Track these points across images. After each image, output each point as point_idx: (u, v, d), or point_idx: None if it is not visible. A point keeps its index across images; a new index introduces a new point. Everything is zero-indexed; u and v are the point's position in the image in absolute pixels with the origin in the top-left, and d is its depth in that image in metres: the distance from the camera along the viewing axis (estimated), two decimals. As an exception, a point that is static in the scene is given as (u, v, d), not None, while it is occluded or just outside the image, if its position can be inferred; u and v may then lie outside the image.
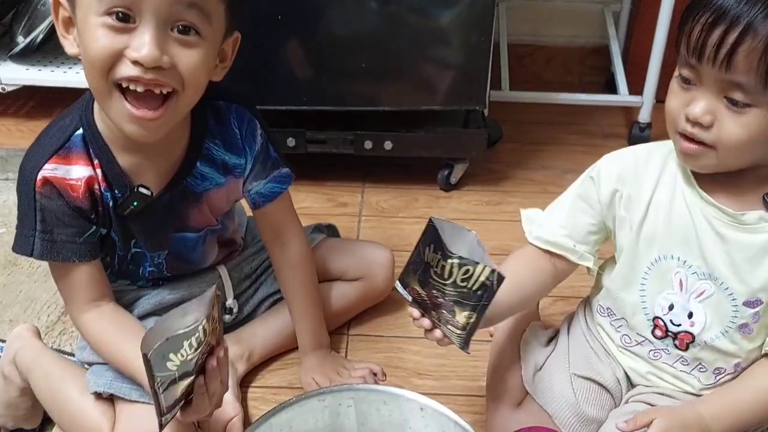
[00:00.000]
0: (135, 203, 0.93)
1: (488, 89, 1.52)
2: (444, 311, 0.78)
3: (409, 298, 0.81)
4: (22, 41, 1.69)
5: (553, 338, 1.02)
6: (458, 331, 0.78)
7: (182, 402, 0.80)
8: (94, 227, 0.93)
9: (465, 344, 0.79)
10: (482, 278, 0.74)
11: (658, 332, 0.89)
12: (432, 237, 0.76)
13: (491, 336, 1.11)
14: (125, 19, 0.78)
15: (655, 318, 0.89)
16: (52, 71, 1.71)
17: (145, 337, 0.71)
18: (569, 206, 0.93)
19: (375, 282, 1.20)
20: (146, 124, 0.83)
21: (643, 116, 1.79)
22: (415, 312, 0.82)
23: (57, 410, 1.00)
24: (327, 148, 1.56)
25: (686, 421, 0.81)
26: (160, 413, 0.77)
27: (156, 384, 0.73)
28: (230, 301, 1.14)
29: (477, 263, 0.73)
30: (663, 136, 0.86)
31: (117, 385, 0.94)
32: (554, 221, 0.93)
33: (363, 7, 1.40)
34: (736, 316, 0.84)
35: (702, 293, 0.85)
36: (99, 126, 0.90)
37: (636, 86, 1.81)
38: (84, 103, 0.92)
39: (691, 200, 0.84)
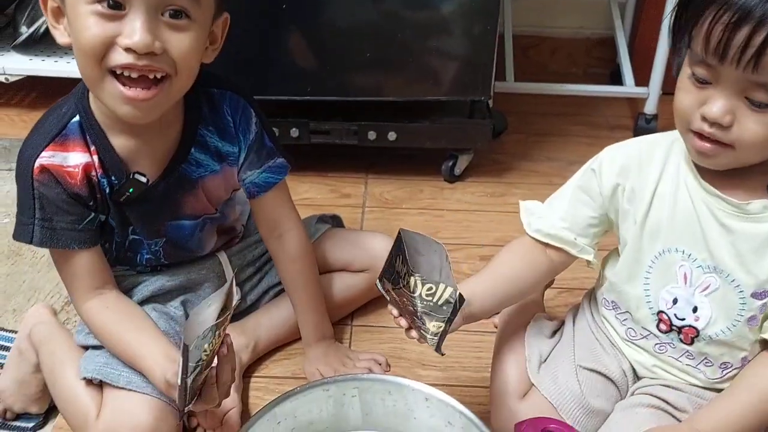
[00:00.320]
0: (131, 190, 0.93)
1: (493, 80, 1.51)
2: (415, 318, 0.81)
3: (388, 298, 0.83)
4: (25, 31, 1.68)
5: (557, 330, 1.02)
6: (429, 336, 0.80)
7: (199, 392, 0.81)
8: (93, 214, 0.93)
9: (437, 348, 0.81)
10: (446, 295, 0.78)
11: (663, 326, 0.89)
12: (400, 249, 0.79)
13: (495, 327, 1.11)
14: (116, 6, 0.78)
15: (660, 312, 0.88)
16: (56, 61, 1.71)
17: (185, 330, 0.73)
18: (570, 198, 0.92)
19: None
20: (140, 105, 0.83)
21: (649, 108, 1.78)
22: (394, 311, 0.84)
23: (55, 392, 1.01)
24: (330, 139, 1.55)
25: None
26: (184, 403, 0.78)
27: (188, 374, 0.75)
28: (234, 292, 1.13)
29: (439, 283, 0.78)
30: (669, 127, 0.85)
31: (106, 371, 0.94)
32: (554, 213, 0.92)
33: (367, -3, 1.40)
34: (743, 309, 0.83)
35: (707, 287, 0.84)
36: (95, 113, 0.91)
37: (642, 77, 1.80)
38: (80, 90, 0.92)
39: (695, 191, 0.83)
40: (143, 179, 0.93)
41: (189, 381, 0.76)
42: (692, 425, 0.82)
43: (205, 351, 0.75)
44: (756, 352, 0.86)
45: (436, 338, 0.80)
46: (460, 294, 0.77)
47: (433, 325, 0.80)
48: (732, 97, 0.73)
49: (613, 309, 0.94)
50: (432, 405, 0.87)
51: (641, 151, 0.88)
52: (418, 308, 0.80)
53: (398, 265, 0.80)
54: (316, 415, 0.89)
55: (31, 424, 1.04)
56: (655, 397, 0.90)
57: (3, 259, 1.36)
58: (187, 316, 1.07)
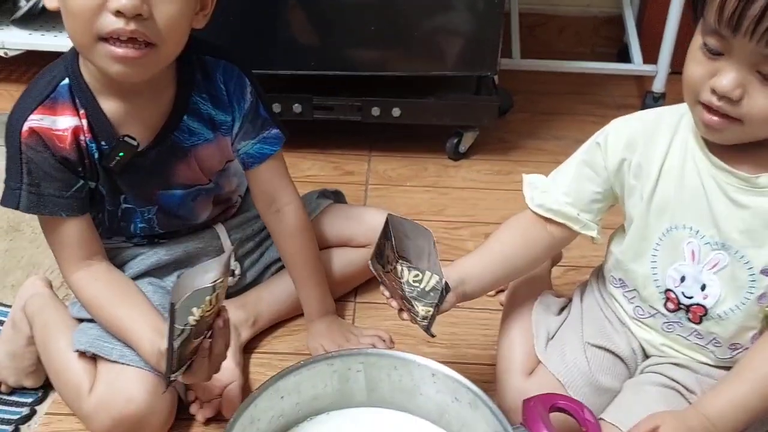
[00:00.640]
0: (121, 154, 0.92)
1: (499, 55, 1.48)
2: (405, 301, 0.81)
3: (380, 280, 0.83)
4: (24, 5, 1.67)
5: (564, 307, 1.00)
6: (419, 319, 0.81)
7: (189, 363, 0.79)
8: (82, 181, 0.92)
9: (427, 330, 0.82)
10: (432, 283, 0.80)
11: (670, 305, 0.87)
12: (388, 235, 0.80)
13: (501, 305, 1.10)
14: None
15: (667, 290, 0.86)
16: (55, 36, 1.69)
17: (174, 289, 0.73)
18: (574, 173, 0.90)
19: (382, 249, 1.18)
20: (130, 63, 0.83)
21: (657, 86, 1.77)
22: (386, 292, 0.83)
23: (47, 363, 1.00)
24: (334, 115, 1.53)
25: (691, 425, 0.79)
26: (170, 370, 0.77)
27: (174, 337, 0.74)
28: (231, 262, 1.12)
29: (425, 271, 0.79)
30: (677, 106, 0.84)
31: (99, 344, 0.93)
32: (558, 188, 0.91)
33: (373, -31, 1.37)
34: (753, 287, 0.81)
35: (716, 264, 0.83)
36: (85, 76, 0.90)
37: (650, 56, 1.78)
38: (70, 54, 0.91)
39: (702, 166, 0.81)
40: (133, 142, 0.92)
41: (176, 344, 0.75)
42: (698, 409, 0.81)
43: (193, 315, 0.74)
44: (765, 330, 0.85)
45: (425, 321, 0.81)
46: (446, 282, 0.79)
47: (422, 309, 0.81)
48: (743, 70, 0.71)
49: (621, 287, 0.93)
50: (439, 380, 0.85)
51: (649, 125, 0.86)
52: (407, 293, 0.81)
53: (387, 250, 0.80)
54: (320, 390, 0.88)
55: (30, 399, 1.03)
56: (665, 376, 0.89)
57: (2, 234, 1.35)
58: None
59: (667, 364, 0.90)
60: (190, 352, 0.79)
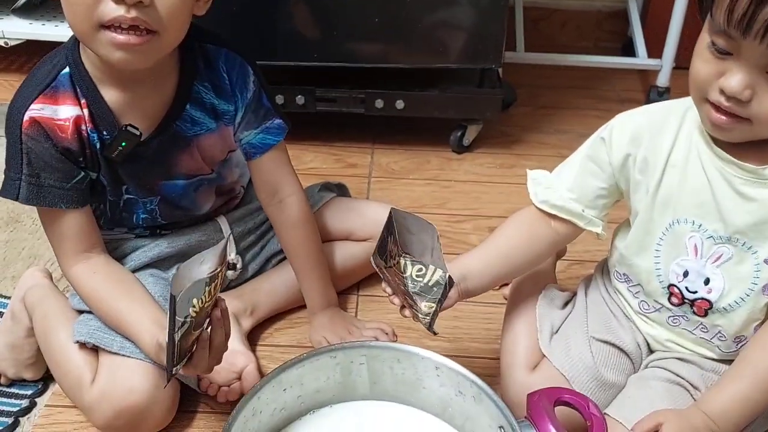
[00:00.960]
0: (123, 144, 0.91)
1: (504, 48, 1.48)
2: (407, 297, 0.81)
3: (381, 275, 0.82)
4: (24, -6, 1.65)
5: (569, 301, 1.00)
6: (422, 316, 0.81)
7: (189, 355, 0.79)
8: (83, 172, 0.91)
9: (430, 327, 0.82)
10: (436, 277, 0.79)
11: (674, 299, 0.87)
12: (391, 228, 0.79)
13: (505, 299, 1.09)
14: None
15: (670, 285, 0.86)
16: (56, 26, 1.68)
17: (173, 281, 0.72)
18: (578, 168, 0.89)
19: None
20: (132, 50, 0.82)
21: (662, 80, 1.76)
22: (388, 288, 0.83)
23: (48, 355, 1.00)
24: (337, 107, 1.52)
25: (695, 423, 0.79)
26: (172, 362, 0.76)
27: (175, 329, 0.73)
28: (233, 256, 1.12)
29: (428, 265, 0.79)
30: (681, 101, 0.83)
31: (99, 336, 0.93)
32: (562, 184, 0.90)
33: (377, -40, 1.36)
34: (757, 278, 0.81)
35: (719, 257, 0.82)
36: (86, 65, 0.89)
37: (654, 50, 1.77)
38: (70, 43, 0.91)
39: (707, 159, 0.80)
40: (136, 132, 0.91)
41: (177, 337, 0.74)
42: (700, 407, 0.81)
43: (194, 306, 0.74)
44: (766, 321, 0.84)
45: (428, 318, 0.81)
46: (449, 276, 0.78)
47: (424, 305, 0.81)
48: (752, 71, 0.70)
49: (625, 281, 0.92)
50: (442, 374, 0.85)
51: (654, 119, 0.85)
52: (409, 288, 0.81)
53: (390, 245, 0.80)
54: (323, 382, 0.87)
55: (29, 391, 1.03)
56: (670, 371, 0.88)
57: (2, 225, 1.34)
58: None
59: (672, 359, 0.90)
60: (190, 344, 0.79)
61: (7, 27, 1.65)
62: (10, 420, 0.97)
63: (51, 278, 1.08)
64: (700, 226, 0.82)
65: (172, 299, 0.71)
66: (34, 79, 0.90)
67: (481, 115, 1.57)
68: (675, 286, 0.85)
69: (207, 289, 0.74)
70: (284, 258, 1.14)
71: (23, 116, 0.87)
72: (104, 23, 0.80)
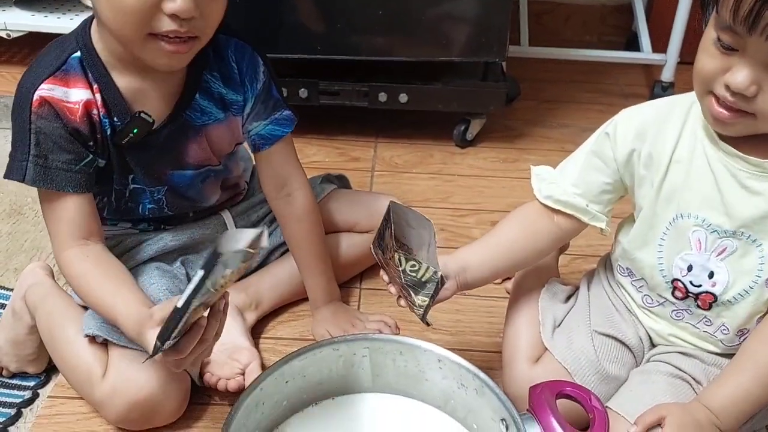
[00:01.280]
0: (135, 131, 0.91)
1: (508, 41, 1.47)
2: (402, 288, 0.82)
3: (380, 264, 0.83)
4: (28, -15, 1.65)
5: (571, 295, 1.00)
6: (416, 307, 0.83)
7: (179, 338, 0.76)
8: (91, 156, 0.90)
9: (422, 319, 0.83)
10: (428, 274, 0.80)
11: (678, 293, 0.86)
12: (389, 222, 0.80)
13: (508, 293, 1.09)
14: None
15: (674, 280, 0.86)
16: (59, 18, 1.68)
17: (220, 241, 0.66)
18: (582, 164, 0.89)
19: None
20: (178, 57, 0.86)
21: (666, 75, 1.75)
22: (386, 277, 0.84)
23: (54, 350, 0.99)
24: (340, 100, 1.52)
25: (698, 417, 0.79)
26: (169, 336, 0.73)
27: (198, 294, 0.68)
28: (265, 243, 1.10)
29: (422, 262, 0.80)
30: (686, 96, 0.82)
31: (108, 329, 0.91)
32: (566, 179, 0.90)
33: (381, -48, 1.36)
34: (762, 269, 0.81)
35: (723, 250, 0.82)
36: (99, 50, 0.89)
37: (659, 45, 1.77)
38: (80, 29, 0.90)
39: (712, 154, 0.80)
40: (149, 119, 0.90)
41: (194, 304, 0.69)
42: (702, 401, 0.81)
43: (224, 276, 0.69)
44: None
45: (421, 310, 0.82)
46: (442, 276, 0.80)
47: (418, 298, 0.82)
48: (758, 67, 0.70)
49: (629, 276, 0.92)
50: (444, 366, 0.85)
51: (658, 114, 0.84)
52: (405, 281, 0.81)
53: (387, 237, 0.80)
54: (325, 375, 0.87)
55: (32, 383, 1.03)
56: (672, 365, 0.88)
57: (5, 217, 1.34)
58: (187, 275, 1.06)
59: (674, 353, 0.90)
60: (190, 325, 0.75)
61: (9, 19, 1.65)
62: (12, 411, 0.97)
63: (52, 274, 1.07)
64: (704, 220, 0.81)
65: (215, 256, 0.66)
66: (43, 62, 0.88)
67: (484, 109, 1.57)
68: (679, 280, 0.85)
69: (240, 265, 0.69)
70: (286, 250, 1.13)
71: (33, 96, 0.85)
72: (155, 33, 0.82)
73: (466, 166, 1.55)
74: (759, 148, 0.78)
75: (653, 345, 0.93)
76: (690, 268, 0.84)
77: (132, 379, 0.89)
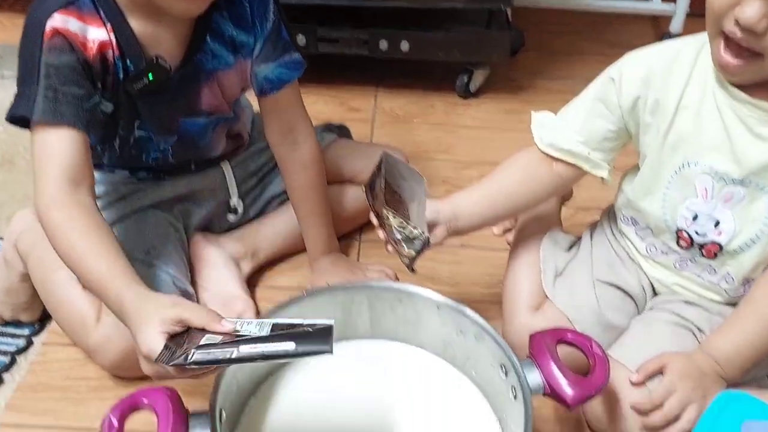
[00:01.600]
0: (150, 76, 0.87)
1: (513, -13, 1.43)
2: (391, 237, 0.83)
3: (370, 207, 0.83)
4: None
5: (574, 244, 0.98)
6: (403, 257, 0.83)
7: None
8: (99, 98, 0.86)
9: (409, 268, 0.84)
10: (416, 233, 0.80)
11: (683, 243, 0.85)
12: (381, 173, 0.80)
13: (508, 244, 1.07)
14: None
15: (678, 230, 0.84)
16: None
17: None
18: (586, 110, 0.87)
19: (389, 185, 1.15)
20: (198, 3, 0.83)
21: (675, 27, 1.72)
22: (375, 220, 0.84)
23: (47, 297, 0.98)
24: (339, 49, 1.47)
25: (700, 366, 0.78)
26: (182, 355, 0.67)
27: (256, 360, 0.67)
28: (234, 200, 1.10)
29: (409, 222, 0.80)
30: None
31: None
32: (568, 126, 0.88)
33: None
34: None
35: (731, 198, 0.80)
36: None
37: (667, -5, 1.73)
38: None
39: (722, 100, 0.78)
40: (166, 65, 0.87)
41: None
42: (705, 349, 0.80)
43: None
44: None
45: (407, 260, 0.83)
46: (427, 236, 0.81)
47: (405, 249, 0.82)
48: None
49: (633, 225, 0.91)
50: (443, 313, 0.84)
51: (666, 59, 0.82)
52: (393, 234, 0.82)
53: (377, 188, 0.80)
54: (323, 321, 0.86)
55: (27, 331, 1.02)
56: (675, 313, 0.87)
57: (-3, 167, 1.32)
58: (185, 225, 1.04)
59: (677, 301, 0.89)
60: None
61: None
62: (7, 359, 0.97)
63: None
64: (712, 167, 0.80)
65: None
66: None
67: (487, 58, 1.53)
68: (683, 230, 0.84)
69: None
70: (284, 201, 1.12)
71: (46, 25, 0.80)
72: None
73: (468, 117, 1.52)
74: None
75: (656, 294, 0.92)
76: (695, 218, 0.83)
77: (124, 326, 0.88)
